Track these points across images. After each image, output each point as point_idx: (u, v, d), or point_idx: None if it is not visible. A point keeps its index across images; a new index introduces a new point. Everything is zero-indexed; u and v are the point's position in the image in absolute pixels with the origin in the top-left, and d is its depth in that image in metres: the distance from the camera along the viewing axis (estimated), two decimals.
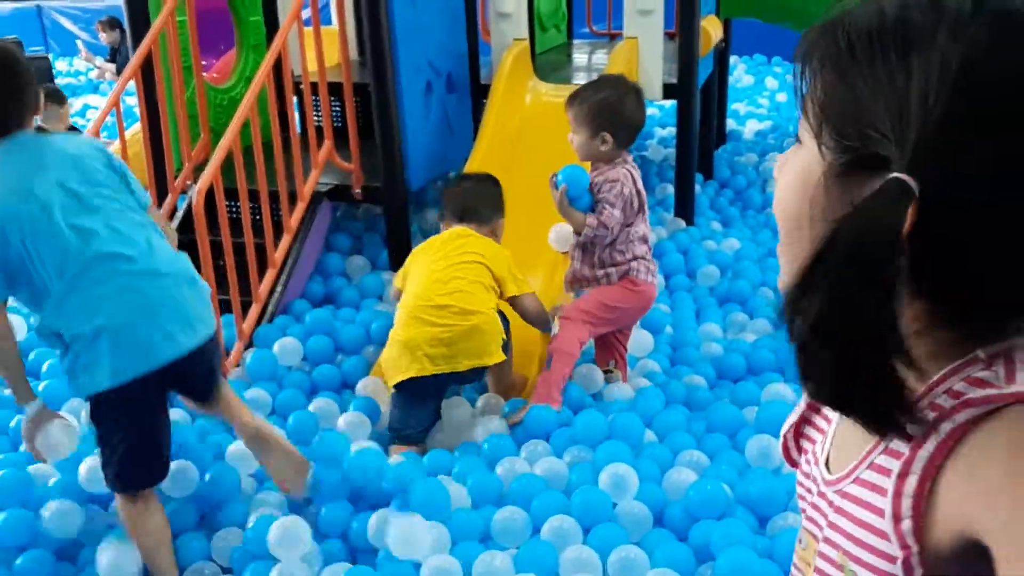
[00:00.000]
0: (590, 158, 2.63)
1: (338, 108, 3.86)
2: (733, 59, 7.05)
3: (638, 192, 2.60)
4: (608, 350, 2.80)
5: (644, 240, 2.66)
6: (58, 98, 4.81)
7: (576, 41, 5.26)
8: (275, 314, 3.12)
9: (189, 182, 3.43)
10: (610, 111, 2.56)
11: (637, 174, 2.61)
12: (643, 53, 3.82)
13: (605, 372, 2.74)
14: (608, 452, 2.29)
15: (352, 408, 2.61)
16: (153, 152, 3.44)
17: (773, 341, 3.03)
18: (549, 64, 4.46)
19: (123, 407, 1.94)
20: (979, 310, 0.59)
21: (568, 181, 2.54)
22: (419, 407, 2.50)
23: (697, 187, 4.25)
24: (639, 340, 2.97)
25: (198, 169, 3.34)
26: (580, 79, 4.10)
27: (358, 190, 3.41)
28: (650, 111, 5.94)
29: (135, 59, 3.27)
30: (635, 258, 2.62)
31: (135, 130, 3.88)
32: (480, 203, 2.69)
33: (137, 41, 3.37)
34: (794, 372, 0.60)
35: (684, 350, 3.02)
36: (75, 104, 6.92)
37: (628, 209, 2.57)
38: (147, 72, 3.33)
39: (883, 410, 0.57)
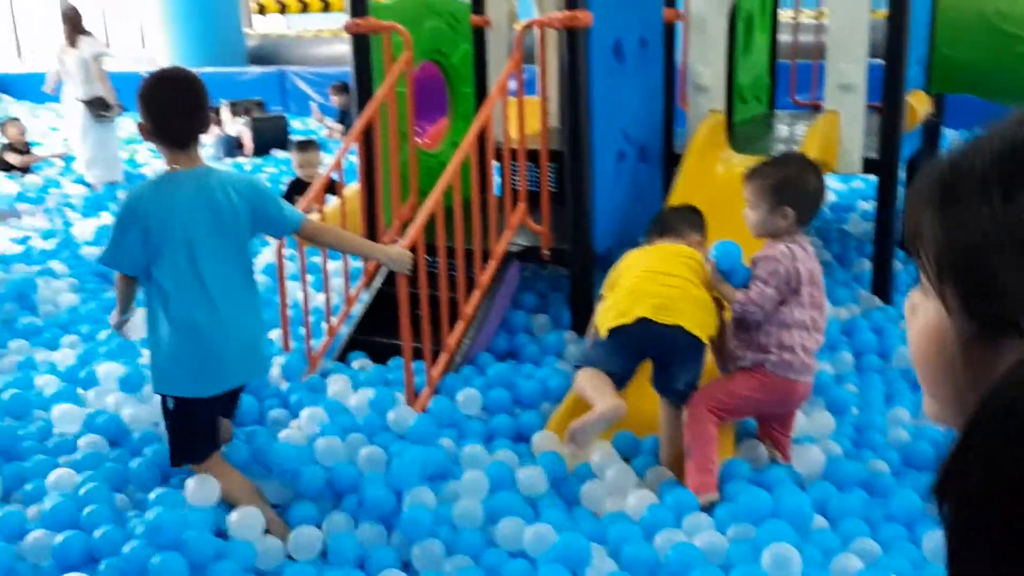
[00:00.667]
0: (765, 234, 2.61)
1: (535, 173, 4.05)
2: (949, 132, 6.73)
3: (799, 272, 2.50)
4: (765, 431, 2.73)
5: (804, 327, 2.52)
6: (306, 145, 5.54)
7: (778, 112, 5.23)
8: (461, 364, 3.30)
9: (397, 237, 3.72)
10: (793, 187, 2.55)
11: (803, 254, 2.54)
12: (844, 127, 3.77)
13: (770, 450, 2.70)
14: (772, 531, 2.26)
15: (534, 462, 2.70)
16: (367, 208, 3.78)
17: None
18: (747, 135, 4.47)
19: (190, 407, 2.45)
20: None
21: (719, 256, 2.56)
22: (621, 357, 2.55)
23: (899, 264, 4.10)
24: (820, 420, 2.90)
25: (405, 226, 3.62)
26: (778, 151, 4.09)
27: (546, 252, 3.57)
28: (854, 183, 5.80)
29: (358, 125, 3.62)
30: (781, 347, 2.50)
31: (354, 187, 4.26)
32: (678, 221, 2.88)
33: (361, 107, 3.73)
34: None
35: (869, 433, 2.91)
36: None
37: (784, 288, 2.51)
38: (367, 136, 3.67)
39: None
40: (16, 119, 8.25)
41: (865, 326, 3.60)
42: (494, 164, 3.75)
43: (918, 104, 3.95)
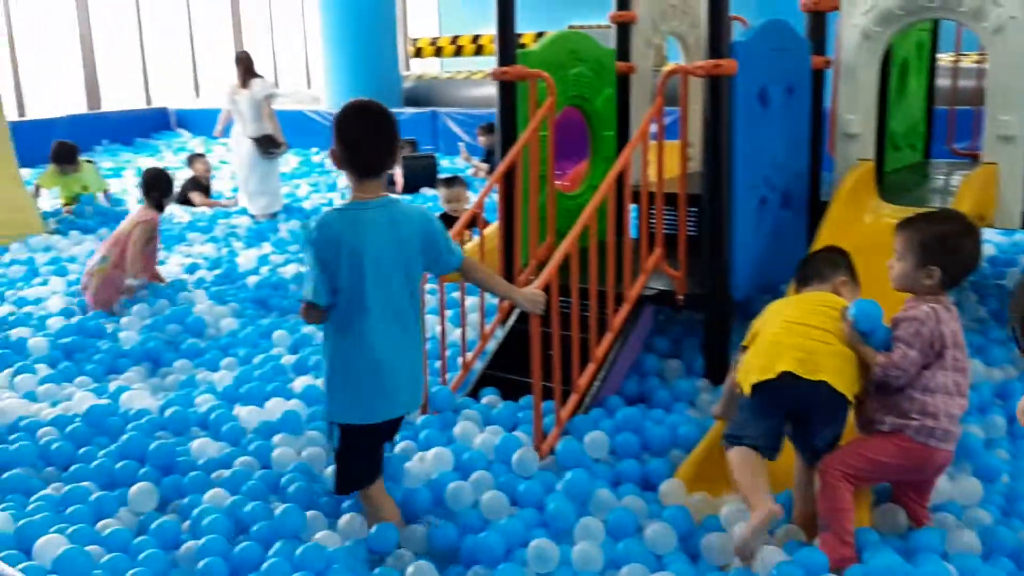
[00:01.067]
0: (907, 289, 2.52)
1: (673, 217, 4.05)
2: None
3: (943, 334, 2.40)
4: (899, 497, 2.61)
5: (947, 392, 2.42)
6: (451, 181, 5.87)
7: (934, 161, 5.02)
8: (591, 406, 3.32)
9: (531, 277, 3.80)
10: (946, 247, 2.45)
11: (948, 316, 2.43)
12: (1002, 180, 3.59)
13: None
14: None
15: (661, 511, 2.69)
16: (505, 247, 3.88)
17: None
18: (899, 184, 4.32)
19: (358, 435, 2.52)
20: None
21: (858, 315, 2.45)
22: (767, 415, 2.47)
23: None
24: (966, 487, 2.76)
25: (542, 266, 3.69)
26: (933, 203, 3.93)
27: (681, 297, 3.55)
28: (1016, 237, 5.47)
29: (501, 167, 3.73)
30: (924, 413, 2.40)
31: (494, 227, 4.38)
32: (820, 265, 2.77)
33: (505, 150, 3.84)
34: None
35: (1021, 504, 2.74)
36: None
37: (927, 351, 2.41)
38: (509, 178, 3.78)
39: None
40: (202, 155, 8.85)
41: (1020, 389, 3.39)
42: (631, 207, 3.78)
43: None
